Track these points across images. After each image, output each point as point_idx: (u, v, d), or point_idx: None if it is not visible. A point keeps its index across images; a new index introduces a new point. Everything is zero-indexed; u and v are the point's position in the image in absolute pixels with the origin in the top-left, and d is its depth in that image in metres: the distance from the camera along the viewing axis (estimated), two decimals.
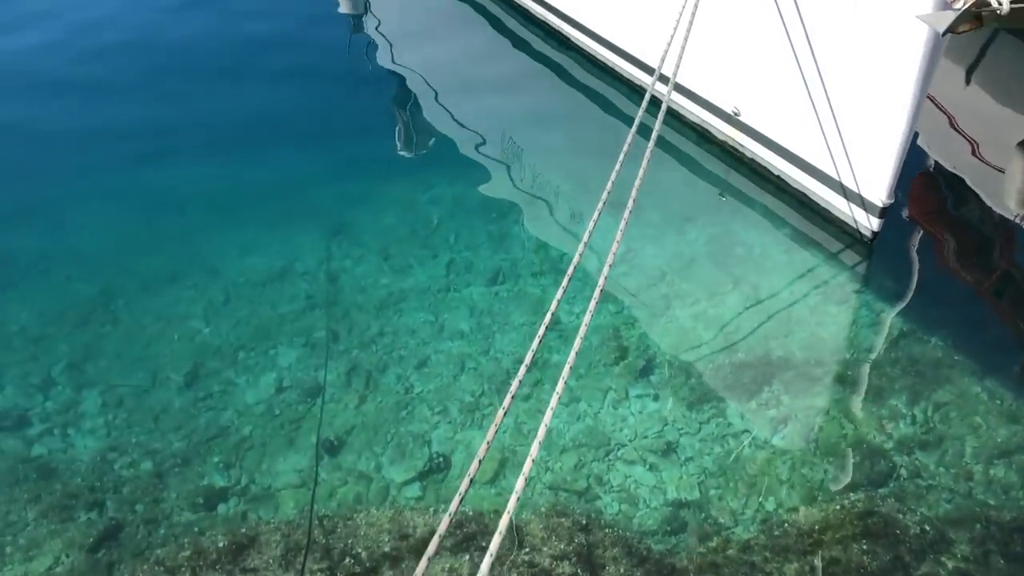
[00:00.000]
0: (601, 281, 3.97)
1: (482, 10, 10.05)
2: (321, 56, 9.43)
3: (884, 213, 5.98)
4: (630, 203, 4.37)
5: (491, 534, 4.29)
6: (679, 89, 7.35)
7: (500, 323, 6.05)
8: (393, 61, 9.35)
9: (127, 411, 5.43)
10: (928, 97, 6.72)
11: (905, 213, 6.65)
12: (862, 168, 5.97)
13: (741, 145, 7.07)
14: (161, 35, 10.01)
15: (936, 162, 7.18)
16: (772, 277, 6.22)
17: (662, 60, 5.44)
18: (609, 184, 4.37)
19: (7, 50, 9.74)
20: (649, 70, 7.33)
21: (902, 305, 5.95)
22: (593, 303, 3.86)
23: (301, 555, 4.33)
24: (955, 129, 7.41)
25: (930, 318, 5.79)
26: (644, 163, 4.49)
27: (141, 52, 9.62)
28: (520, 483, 3.04)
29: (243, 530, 4.61)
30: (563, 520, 4.57)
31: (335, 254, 6.71)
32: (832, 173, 6.24)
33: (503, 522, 2.86)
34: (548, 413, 3.28)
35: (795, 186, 6.70)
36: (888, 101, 5.49)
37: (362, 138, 8.03)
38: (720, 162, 7.28)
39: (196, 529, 4.69)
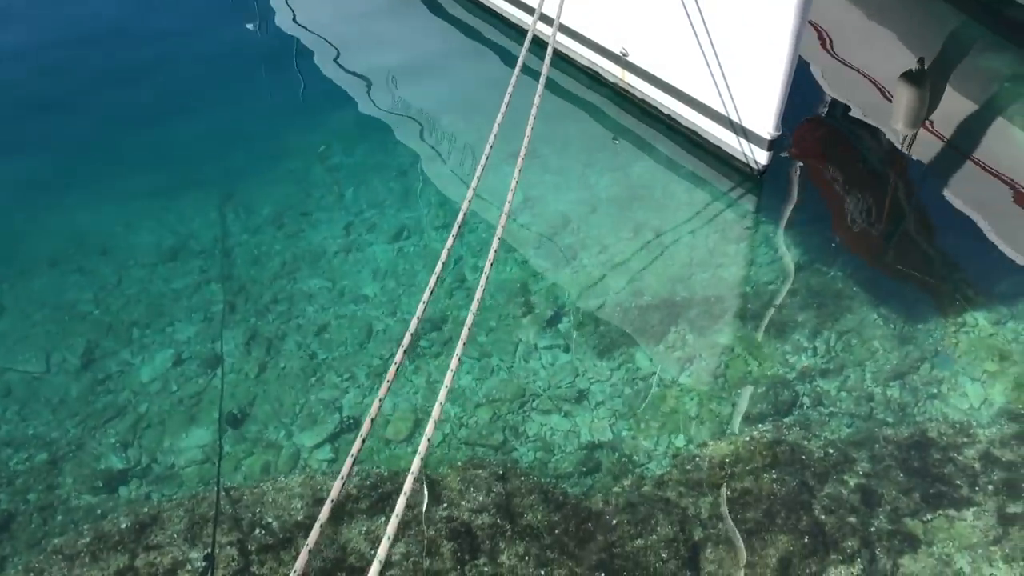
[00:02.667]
0: (499, 231, 3.92)
1: None
2: (205, 21, 9.03)
3: (772, 146, 6.06)
4: (522, 151, 4.31)
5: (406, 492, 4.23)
6: (568, 32, 7.31)
7: (406, 283, 5.94)
8: (281, 23, 9.03)
9: (17, 400, 5.15)
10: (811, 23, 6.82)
11: (793, 145, 6.76)
12: (748, 102, 6.03)
13: (631, 86, 7.08)
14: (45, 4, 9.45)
15: (826, 92, 7.32)
16: (672, 218, 6.27)
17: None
18: (491, 137, 4.30)
19: None
20: (530, 11, 7.28)
21: (799, 238, 6.07)
22: (492, 255, 3.81)
23: (208, 528, 4.18)
24: (837, 58, 7.58)
25: (827, 249, 5.93)
26: (533, 109, 4.43)
27: (19, 21, 9.07)
28: (424, 444, 2.99)
29: (145, 509, 4.42)
30: (480, 472, 4.54)
31: (229, 225, 6.47)
32: (720, 109, 6.29)
33: (407, 483, 2.80)
34: (449, 375, 3.25)
35: (686, 124, 6.75)
36: (770, 32, 5.53)
37: (252, 105, 7.74)
38: (614, 105, 7.28)
39: (97, 513, 4.49)
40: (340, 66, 8.21)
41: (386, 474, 4.69)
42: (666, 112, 6.87)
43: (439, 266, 3.64)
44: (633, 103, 7.17)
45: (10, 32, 8.90)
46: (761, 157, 6.17)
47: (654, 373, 5.25)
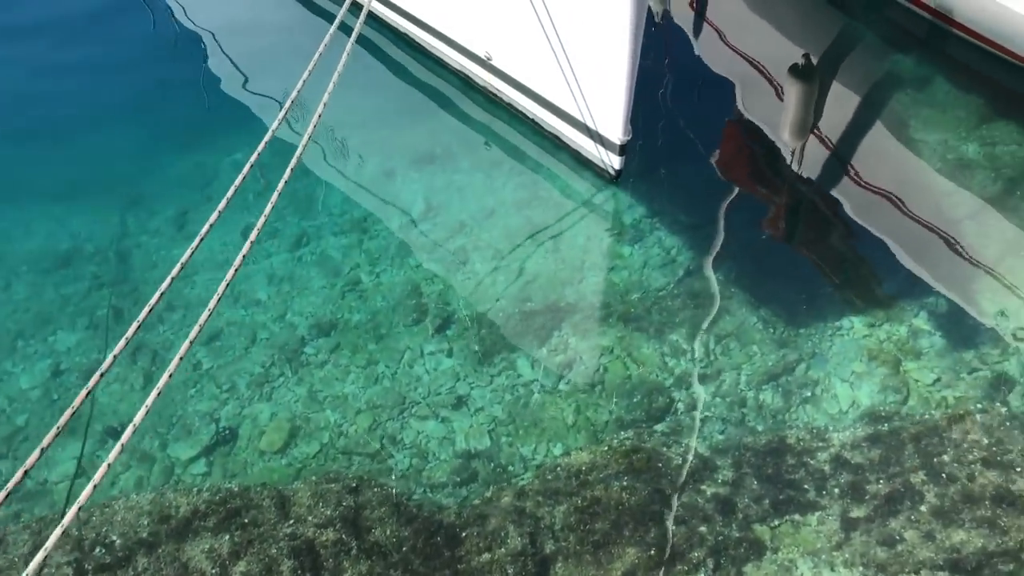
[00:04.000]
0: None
1: None
2: (113, 27, 8.89)
3: (623, 150, 6.15)
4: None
5: (255, 508, 4.29)
6: (436, 34, 7.38)
7: (299, 288, 5.97)
8: (185, 28, 8.91)
9: None
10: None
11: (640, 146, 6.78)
12: (598, 107, 6.09)
13: (498, 91, 7.09)
14: None
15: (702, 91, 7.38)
16: (545, 223, 6.31)
17: None
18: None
19: None
20: None
21: (679, 241, 6.13)
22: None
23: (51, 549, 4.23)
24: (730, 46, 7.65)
25: (708, 252, 6.01)
26: (330, 86, 4.46)
27: None
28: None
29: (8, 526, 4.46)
30: (333, 486, 4.60)
31: (128, 230, 6.45)
32: (576, 114, 6.34)
33: (68, 517, 2.83)
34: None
35: (549, 129, 6.79)
36: (610, 38, 5.56)
37: (157, 109, 7.66)
38: (483, 110, 7.28)
39: None
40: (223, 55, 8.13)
41: (236, 489, 4.71)
42: (531, 117, 6.91)
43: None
44: (501, 107, 7.19)
45: None
46: (615, 161, 6.27)
47: (535, 379, 5.33)
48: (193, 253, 4.02)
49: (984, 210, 6.18)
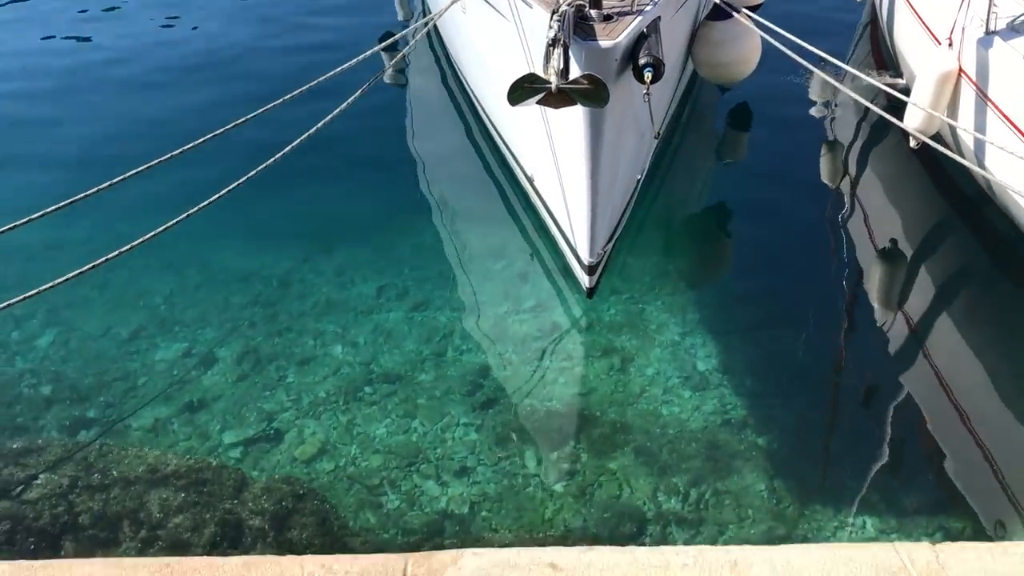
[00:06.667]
0: None
1: None
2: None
3: (592, 270, 6.60)
4: None
5: (218, 483, 5.29)
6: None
7: (393, 343, 6.93)
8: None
9: None
10: None
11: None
12: (573, 229, 6.61)
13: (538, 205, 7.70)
14: None
15: None
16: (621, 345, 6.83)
17: None
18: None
19: None
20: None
21: (733, 397, 6.31)
22: None
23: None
24: None
25: (752, 410, 6.15)
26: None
27: None
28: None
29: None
30: (284, 487, 5.56)
31: (302, 267, 7.87)
32: (567, 230, 6.82)
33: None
34: None
35: (561, 246, 7.26)
36: (573, 160, 6.08)
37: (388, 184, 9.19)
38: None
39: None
40: None
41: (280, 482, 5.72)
42: (553, 234, 7.44)
43: None
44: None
45: None
46: (584, 280, 6.74)
47: (536, 474, 5.82)
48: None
49: None
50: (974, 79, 6.95)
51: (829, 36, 11.43)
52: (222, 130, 5.57)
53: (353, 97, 6.00)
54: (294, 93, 5.86)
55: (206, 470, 5.73)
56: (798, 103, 10.28)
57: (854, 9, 12.21)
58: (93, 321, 7.11)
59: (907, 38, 8.87)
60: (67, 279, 5.08)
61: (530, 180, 7.64)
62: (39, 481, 5.60)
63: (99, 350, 6.80)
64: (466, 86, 9.93)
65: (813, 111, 10.42)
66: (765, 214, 8.48)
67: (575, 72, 5.12)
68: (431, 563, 3.00)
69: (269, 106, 5.83)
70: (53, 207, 5.18)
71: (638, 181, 7.47)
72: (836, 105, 10.36)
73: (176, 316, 7.20)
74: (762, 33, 7.13)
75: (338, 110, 5.85)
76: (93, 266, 5.09)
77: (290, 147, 5.62)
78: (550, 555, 3.02)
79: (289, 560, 3.01)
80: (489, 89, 8.11)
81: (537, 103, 5.04)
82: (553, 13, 5.04)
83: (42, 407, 6.26)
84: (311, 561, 2.99)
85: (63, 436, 6.01)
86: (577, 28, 5.38)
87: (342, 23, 12.63)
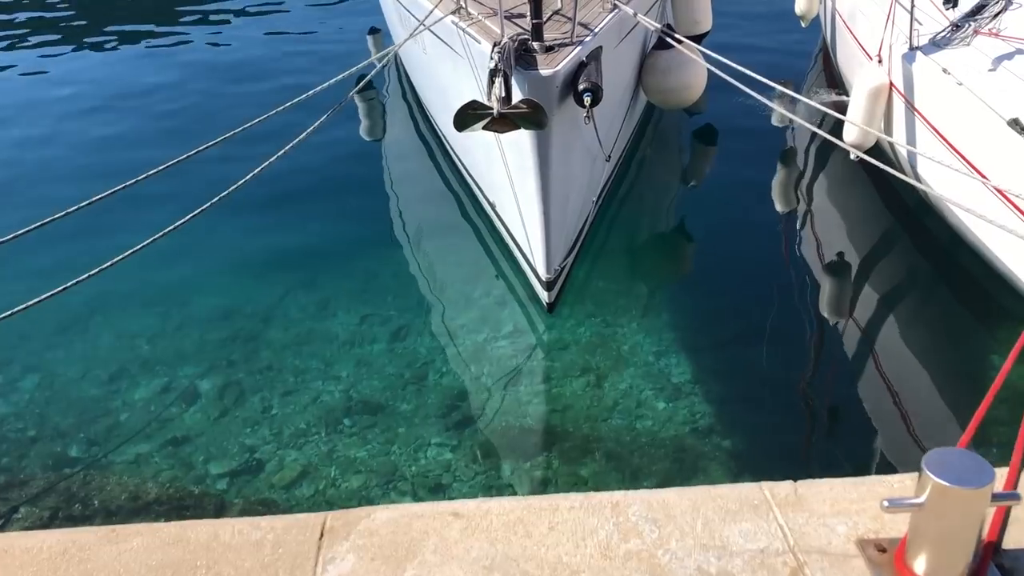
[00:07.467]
0: None
1: None
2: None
3: (550, 286, 6.91)
4: None
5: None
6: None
7: (373, 372, 7.14)
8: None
9: None
10: None
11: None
12: (531, 246, 6.92)
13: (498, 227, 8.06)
14: None
15: None
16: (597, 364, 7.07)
17: None
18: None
19: None
20: None
21: (704, 414, 6.54)
22: None
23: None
24: None
25: (717, 419, 6.39)
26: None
27: None
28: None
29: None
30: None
31: (284, 303, 8.07)
32: (528, 254, 7.14)
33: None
34: None
35: (523, 265, 7.56)
36: (527, 193, 6.45)
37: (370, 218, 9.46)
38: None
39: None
40: None
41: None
42: (515, 254, 7.74)
43: None
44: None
45: None
46: (543, 295, 7.04)
47: (510, 484, 6.03)
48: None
49: None
50: (903, 93, 7.30)
51: (799, 57, 12.05)
52: (184, 156, 5.86)
53: (319, 121, 6.31)
54: (253, 122, 6.17)
55: (188, 498, 5.90)
56: (760, 120, 10.65)
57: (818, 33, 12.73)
58: (74, 365, 7.29)
59: (846, 57, 9.29)
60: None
61: (492, 206, 7.94)
62: (19, 515, 5.77)
63: (80, 391, 6.98)
64: (432, 121, 10.28)
65: (773, 129, 10.83)
66: (726, 232, 8.84)
67: (517, 99, 5.46)
68: (348, 517, 3.48)
69: (221, 138, 6.11)
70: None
71: (594, 201, 7.78)
72: (791, 122, 10.76)
73: (159, 352, 7.40)
74: (702, 61, 7.52)
75: (305, 134, 6.18)
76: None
77: (251, 174, 5.92)
78: (454, 506, 3.51)
79: (221, 522, 3.46)
80: (452, 123, 8.43)
81: (483, 128, 5.36)
82: (495, 46, 5.41)
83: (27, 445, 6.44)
84: (242, 522, 3.46)
85: (47, 472, 6.18)
86: (521, 59, 5.74)
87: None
